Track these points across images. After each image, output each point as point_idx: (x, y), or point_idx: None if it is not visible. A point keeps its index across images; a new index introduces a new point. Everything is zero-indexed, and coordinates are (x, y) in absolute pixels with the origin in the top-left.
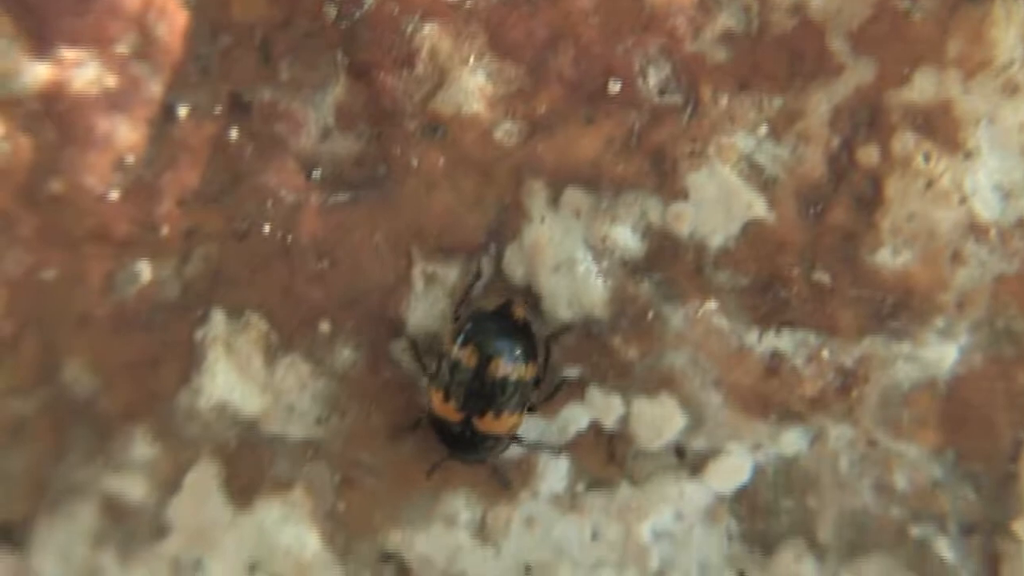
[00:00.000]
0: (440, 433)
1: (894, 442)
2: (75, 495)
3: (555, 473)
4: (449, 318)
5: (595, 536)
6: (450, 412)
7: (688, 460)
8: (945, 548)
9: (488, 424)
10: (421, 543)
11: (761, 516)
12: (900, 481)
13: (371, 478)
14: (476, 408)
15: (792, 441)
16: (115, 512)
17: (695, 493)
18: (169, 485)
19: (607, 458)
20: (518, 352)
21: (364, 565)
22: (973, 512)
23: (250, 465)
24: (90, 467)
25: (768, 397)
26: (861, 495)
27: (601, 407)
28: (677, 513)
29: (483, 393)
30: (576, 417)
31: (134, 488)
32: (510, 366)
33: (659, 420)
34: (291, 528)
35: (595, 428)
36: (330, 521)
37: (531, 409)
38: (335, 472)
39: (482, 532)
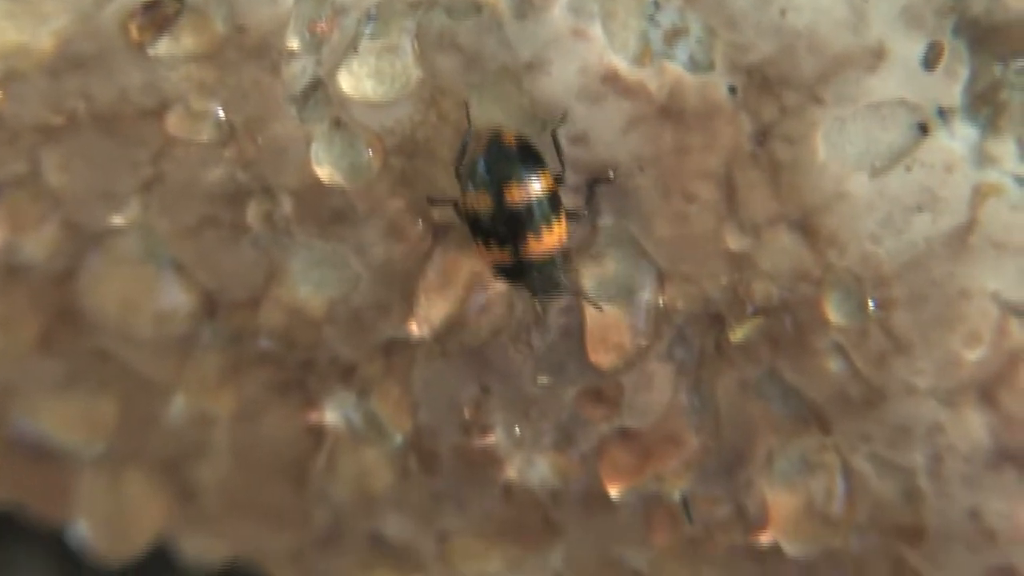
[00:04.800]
0: (512, 279)
1: None
2: None
3: None
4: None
5: None
6: (499, 256)
7: None
8: None
9: (534, 247)
10: None
11: None
12: None
13: None
14: (517, 239)
15: None
16: None
17: None
18: None
19: None
20: (523, 170)
21: None
22: None
23: None
24: None
25: None
26: None
27: None
28: None
29: (512, 223)
30: None
31: None
32: (523, 188)
33: None
34: None
35: None
36: None
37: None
38: None
39: None
